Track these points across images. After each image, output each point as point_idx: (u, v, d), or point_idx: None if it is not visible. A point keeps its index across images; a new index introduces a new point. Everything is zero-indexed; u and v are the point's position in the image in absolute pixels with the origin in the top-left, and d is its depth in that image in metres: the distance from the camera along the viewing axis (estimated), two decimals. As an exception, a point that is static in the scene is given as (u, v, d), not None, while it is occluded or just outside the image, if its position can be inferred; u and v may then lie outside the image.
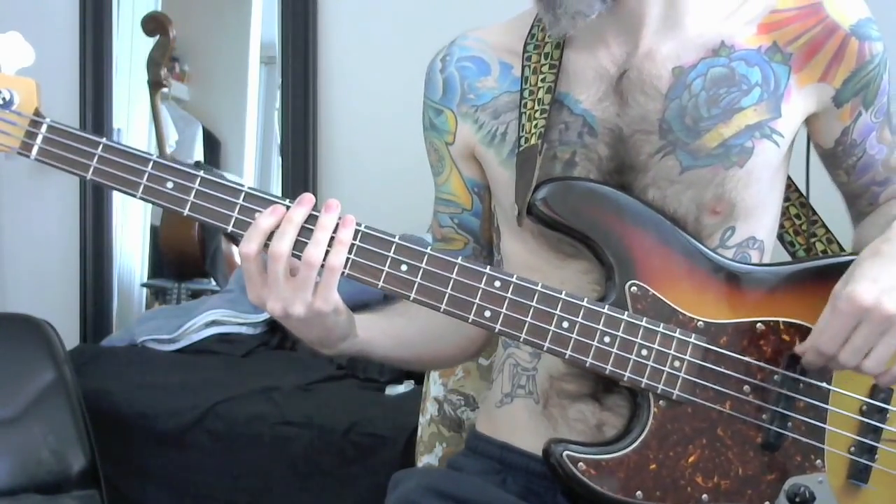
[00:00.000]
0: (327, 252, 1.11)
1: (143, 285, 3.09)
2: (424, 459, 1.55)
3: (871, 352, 1.10)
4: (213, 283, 3.02)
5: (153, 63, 2.99)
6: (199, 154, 3.10)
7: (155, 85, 3.00)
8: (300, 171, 2.79)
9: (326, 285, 1.11)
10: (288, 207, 1.12)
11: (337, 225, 1.12)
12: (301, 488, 2.06)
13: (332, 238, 1.11)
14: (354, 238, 1.13)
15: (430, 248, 1.15)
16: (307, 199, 1.12)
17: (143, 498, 2.18)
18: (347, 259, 1.12)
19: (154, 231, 3.06)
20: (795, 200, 1.34)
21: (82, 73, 2.93)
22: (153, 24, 2.99)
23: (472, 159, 1.31)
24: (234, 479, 2.12)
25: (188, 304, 2.89)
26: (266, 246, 1.11)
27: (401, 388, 2.25)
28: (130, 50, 3.04)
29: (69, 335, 2.56)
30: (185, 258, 2.97)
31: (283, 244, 1.10)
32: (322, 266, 1.10)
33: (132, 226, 3.07)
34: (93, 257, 2.95)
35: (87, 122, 2.92)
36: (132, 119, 3.07)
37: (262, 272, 1.11)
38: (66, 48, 2.94)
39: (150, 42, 2.99)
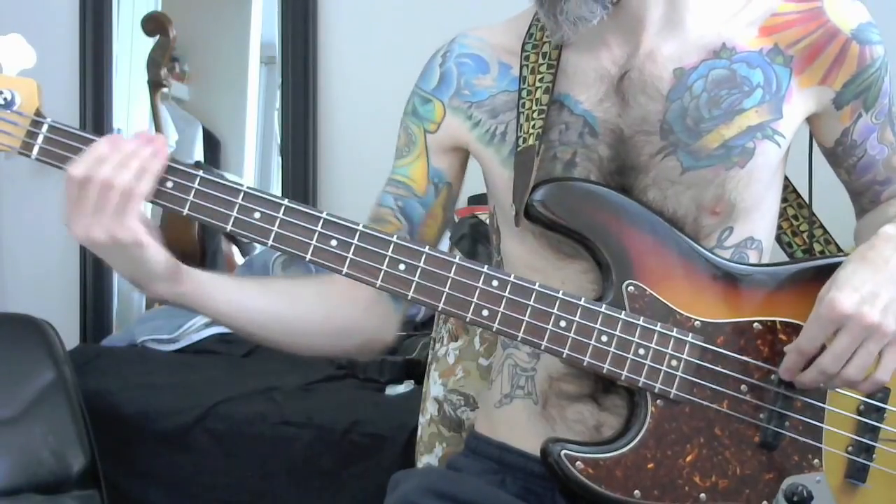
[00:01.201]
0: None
1: (144, 285, 3.08)
2: (424, 459, 1.55)
3: (852, 359, 1.10)
4: (213, 283, 3.01)
5: (153, 63, 2.99)
6: (199, 154, 3.09)
7: (155, 85, 3.00)
8: (300, 171, 2.79)
9: (123, 210, 1.10)
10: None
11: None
12: (301, 488, 2.06)
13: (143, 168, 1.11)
14: (353, 238, 1.14)
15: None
16: (147, 137, 1.13)
17: (143, 498, 2.18)
18: (335, 254, 1.12)
19: (154, 231, 3.05)
20: (793, 201, 1.34)
21: (82, 73, 2.93)
22: (153, 24, 2.99)
23: (450, 152, 1.30)
24: (234, 479, 2.11)
25: (188, 304, 2.88)
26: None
27: (401, 388, 2.24)
28: (130, 50, 3.04)
29: (69, 335, 2.56)
30: (185, 258, 2.94)
31: (103, 170, 1.10)
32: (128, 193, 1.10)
33: (132, 226, 3.06)
34: (93, 257, 2.91)
35: (87, 122, 2.91)
36: (132, 119, 3.06)
37: (79, 194, 1.11)
38: (66, 48, 2.93)
39: (150, 42, 2.99)
